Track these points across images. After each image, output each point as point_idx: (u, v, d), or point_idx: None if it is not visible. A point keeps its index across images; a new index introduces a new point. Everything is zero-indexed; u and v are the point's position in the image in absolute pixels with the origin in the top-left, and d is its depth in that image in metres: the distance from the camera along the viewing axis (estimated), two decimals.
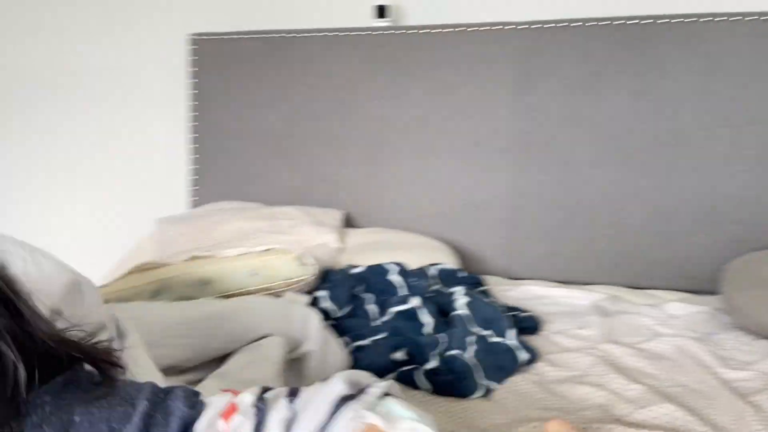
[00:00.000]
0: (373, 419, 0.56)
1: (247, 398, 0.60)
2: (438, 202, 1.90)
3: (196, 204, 2.12)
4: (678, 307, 1.44)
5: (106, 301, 1.09)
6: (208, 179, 2.11)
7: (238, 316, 1.03)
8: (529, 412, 0.98)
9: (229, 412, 0.58)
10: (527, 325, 1.32)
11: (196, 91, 2.09)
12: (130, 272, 1.12)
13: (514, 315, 1.34)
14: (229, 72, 2.05)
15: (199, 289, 1.10)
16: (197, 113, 2.09)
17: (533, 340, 1.28)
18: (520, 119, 1.80)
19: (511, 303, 1.50)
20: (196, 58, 2.08)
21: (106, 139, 2.24)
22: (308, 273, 1.17)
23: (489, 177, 1.85)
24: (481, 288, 1.51)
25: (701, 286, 1.63)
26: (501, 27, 1.80)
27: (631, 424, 0.93)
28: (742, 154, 1.64)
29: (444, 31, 1.85)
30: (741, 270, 1.39)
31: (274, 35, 2.01)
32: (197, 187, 2.12)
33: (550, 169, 1.79)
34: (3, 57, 2.27)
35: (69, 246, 2.23)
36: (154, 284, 1.10)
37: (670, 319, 1.39)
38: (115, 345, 0.76)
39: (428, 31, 1.87)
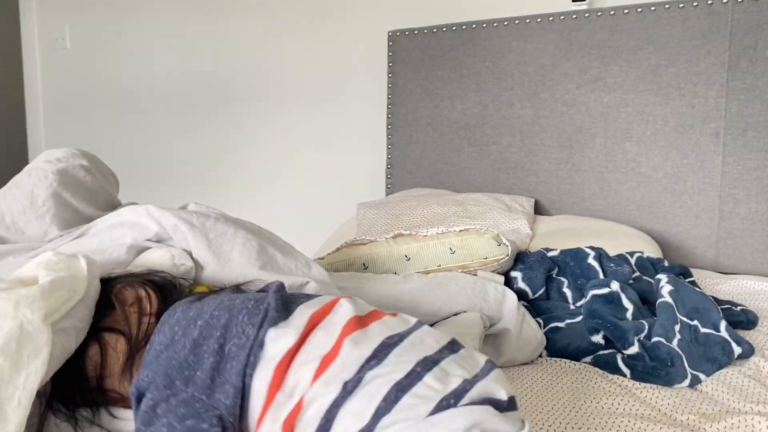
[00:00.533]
0: None
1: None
2: (636, 189, 1.82)
3: (390, 191, 2.25)
4: None
5: None
6: (402, 167, 2.22)
7: (438, 290, 1.10)
8: (742, 405, 0.91)
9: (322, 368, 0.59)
10: (741, 319, 1.22)
11: (391, 85, 2.21)
12: (342, 247, 1.24)
13: (726, 308, 1.25)
14: (422, 65, 2.14)
15: (401, 264, 1.18)
16: (392, 106, 2.21)
17: (748, 335, 1.18)
18: (736, 100, 1.66)
19: (722, 297, 1.40)
20: (391, 54, 2.20)
21: (314, 131, 2.46)
22: (504, 253, 1.19)
23: (697, 163, 1.73)
24: (689, 279, 1.42)
25: None
26: (712, 2, 1.67)
27: None
28: None
29: (649, 10, 1.76)
30: None
31: (466, 26, 2.05)
32: (390, 177, 2.24)
33: None
34: (228, 61, 2.59)
35: (282, 226, 2.49)
36: (363, 258, 1.20)
37: None
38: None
39: (630, 11, 1.79)
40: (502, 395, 0.58)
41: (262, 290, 0.78)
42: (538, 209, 1.97)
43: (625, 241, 1.58)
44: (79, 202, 0.98)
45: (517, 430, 0.55)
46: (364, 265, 1.19)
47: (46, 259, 0.68)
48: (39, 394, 0.64)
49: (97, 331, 0.69)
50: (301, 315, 0.65)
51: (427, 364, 0.58)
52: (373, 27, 2.27)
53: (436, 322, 1.05)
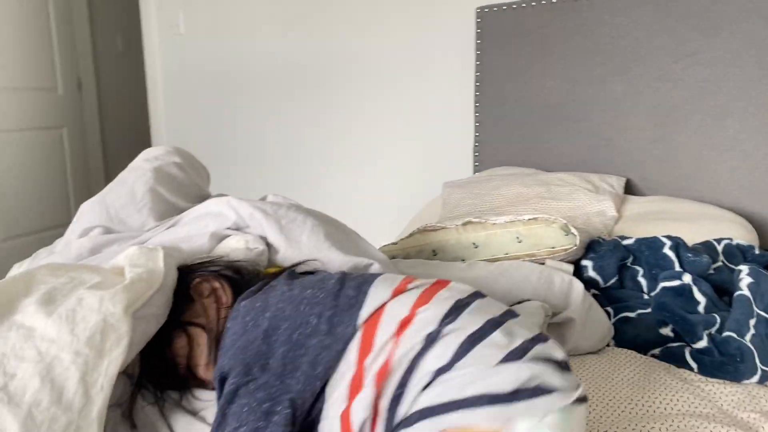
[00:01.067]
0: None
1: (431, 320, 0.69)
2: (737, 169, 1.72)
3: (477, 169, 2.26)
4: None
5: (394, 257, 1.28)
6: (489, 146, 2.22)
7: (502, 278, 1.12)
8: None
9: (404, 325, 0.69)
10: None
11: (479, 63, 2.20)
12: (415, 233, 1.29)
13: None
14: (510, 42, 2.11)
15: (470, 251, 1.21)
16: (479, 84, 2.21)
17: None
18: None
19: None
20: (479, 30, 2.18)
21: (401, 111, 2.50)
22: (572, 243, 1.19)
23: None
24: None
25: None
26: None
27: None
28: None
29: None
30: None
31: (557, 1, 2.00)
32: (478, 154, 2.25)
33: None
34: (320, 43, 2.68)
35: (372, 205, 2.58)
36: (433, 245, 1.25)
37: None
38: None
39: None
40: (559, 356, 0.67)
41: (314, 271, 0.86)
42: (631, 189, 1.91)
43: (716, 226, 1.51)
44: (172, 195, 1.10)
45: (571, 387, 0.64)
46: (433, 251, 1.24)
47: (131, 254, 0.78)
48: (129, 375, 0.75)
49: (182, 324, 0.79)
50: (375, 295, 0.74)
51: (495, 323, 0.68)
52: (461, 4, 2.26)
53: None
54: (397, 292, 0.75)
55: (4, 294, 0.69)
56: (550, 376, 0.64)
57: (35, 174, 3.34)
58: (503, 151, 2.19)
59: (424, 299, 0.73)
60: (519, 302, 1.10)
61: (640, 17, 1.84)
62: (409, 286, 0.76)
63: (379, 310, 0.72)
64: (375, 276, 0.80)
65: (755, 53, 1.65)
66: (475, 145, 2.25)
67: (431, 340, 0.67)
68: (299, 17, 2.72)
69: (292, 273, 0.84)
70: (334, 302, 0.73)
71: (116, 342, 0.64)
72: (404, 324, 0.70)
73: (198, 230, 1.00)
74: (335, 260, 0.96)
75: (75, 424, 0.61)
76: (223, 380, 0.70)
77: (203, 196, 1.18)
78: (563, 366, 0.67)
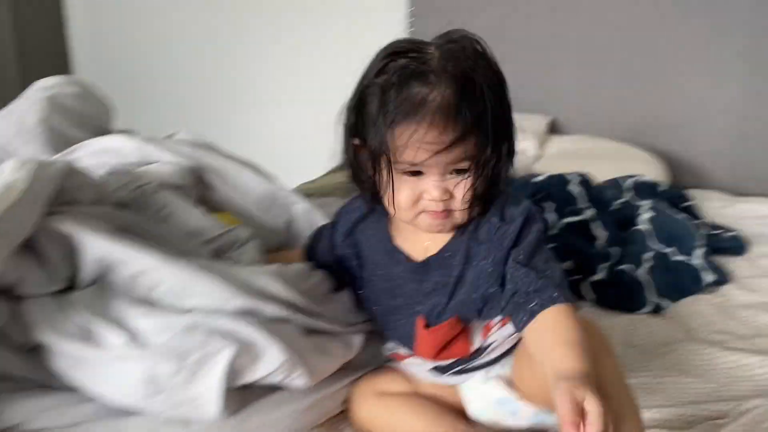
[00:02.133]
0: None
1: None
2: (657, 108, 1.76)
3: None
4: None
5: (311, 195, 1.26)
6: None
7: None
8: (698, 333, 0.93)
9: None
10: (729, 245, 1.21)
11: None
12: (332, 171, 1.27)
13: (714, 234, 1.24)
14: None
15: None
16: (413, 18, 2.14)
17: (733, 262, 1.17)
18: (763, 16, 1.55)
19: (722, 221, 1.37)
20: None
21: (328, 43, 2.36)
22: None
23: (720, 81, 1.65)
24: (686, 203, 1.39)
25: None
26: None
27: None
28: None
29: None
30: None
31: None
32: None
33: None
34: None
35: (291, 143, 2.47)
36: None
37: None
38: None
39: None
40: None
41: None
42: (556, 128, 1.93)
43: (630, 164, 1.54)
44: (70, 127, 1.03)
45: None
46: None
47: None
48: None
49: None
50: None
51: None
52: None
53: None
54: None
55: None
56: None
57: None
58: None
59: None
60: None
61: None
62: None
63: None
64: None
65: None
66: None
67: None
68: None
69: None
70: None
71: None
72: None
73: (97, 167, 0.96)
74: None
75: None
76: None
77: (105, 131, 1.12)
78: None
